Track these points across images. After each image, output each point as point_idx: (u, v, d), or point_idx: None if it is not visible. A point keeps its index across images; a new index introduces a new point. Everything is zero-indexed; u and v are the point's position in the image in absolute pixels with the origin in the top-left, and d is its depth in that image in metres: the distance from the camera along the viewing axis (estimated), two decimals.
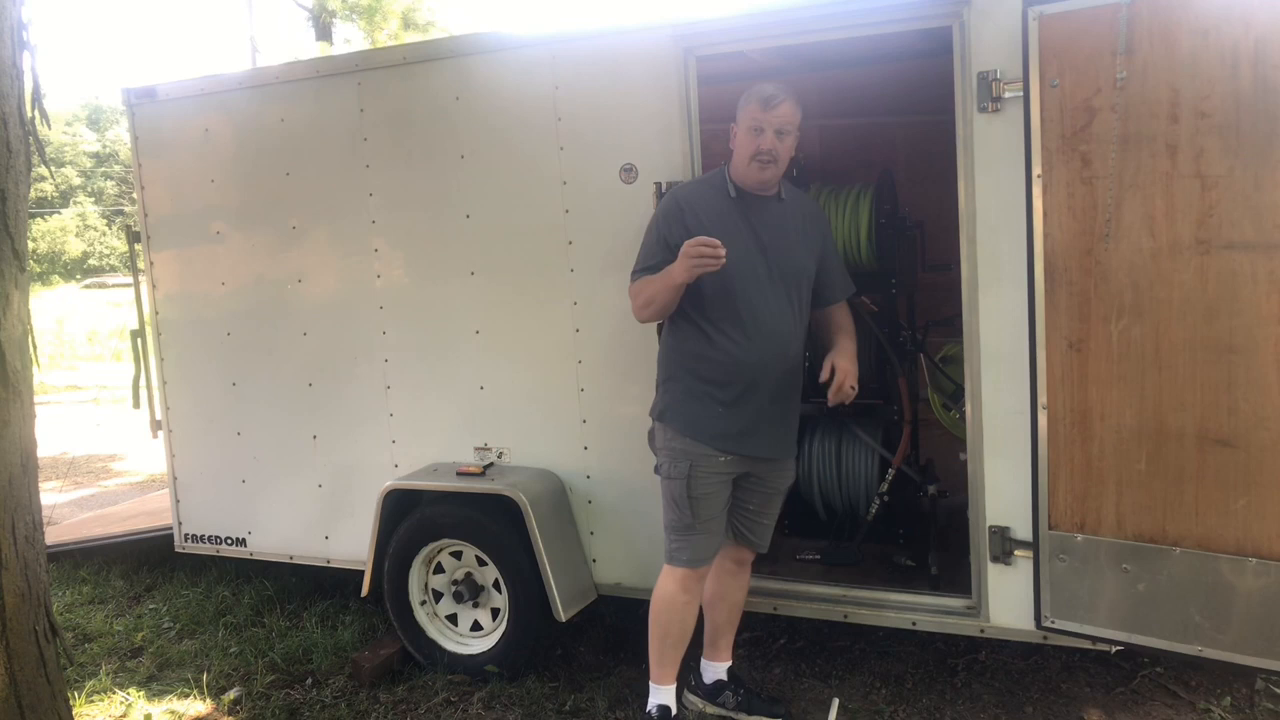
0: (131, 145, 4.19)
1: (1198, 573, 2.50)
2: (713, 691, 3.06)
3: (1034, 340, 2.66)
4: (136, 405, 4.31)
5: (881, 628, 3.29)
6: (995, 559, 2.88)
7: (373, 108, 3.67)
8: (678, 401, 2.79)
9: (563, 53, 3.34)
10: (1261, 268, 2.35)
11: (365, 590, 3.62)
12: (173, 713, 3.45)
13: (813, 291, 2.87)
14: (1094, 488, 2.62)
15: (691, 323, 2.76)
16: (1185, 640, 2.55)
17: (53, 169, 34.72)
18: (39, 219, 36.36)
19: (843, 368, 2.75)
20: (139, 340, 4.35)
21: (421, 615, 3.59)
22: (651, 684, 2.92)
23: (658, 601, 2.84)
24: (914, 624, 3.09)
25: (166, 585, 4.72)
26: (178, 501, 4.25)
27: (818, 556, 3.60)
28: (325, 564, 3.98)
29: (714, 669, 3.08)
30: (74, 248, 37.43)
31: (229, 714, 3.42)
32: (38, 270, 32.59)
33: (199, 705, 3.49)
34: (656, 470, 2.87)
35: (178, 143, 4.06)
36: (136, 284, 4.31)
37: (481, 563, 3.50)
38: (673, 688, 2.92)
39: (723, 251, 2.52)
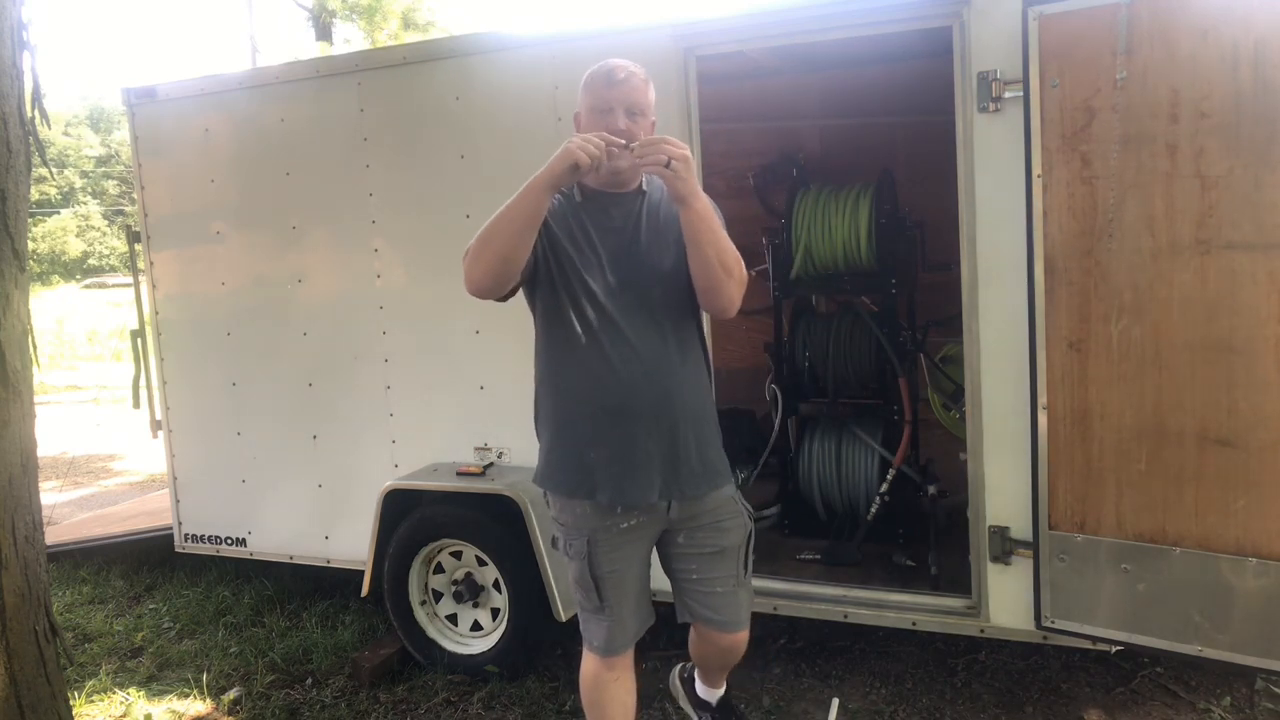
0: (132, 145, 4.19)
1: (1198, 573, 2.50)
2: (697, 705, 2.82)
3: (1034, 340, 2.66)
4: (136, 405, 4.31)
5: (881, 628, 3.28)
6: (995, 559, 2.88)
7: (373, 108, 3.67)
8: (550, 460, 2.34)
9: (563, 53, 3.33)
10: (1261, 268, 2.35)
11: (365, 590, 3.62)
12: (173, 713, 3.45)
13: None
14: (1094, 488, 2.62)
15: (547, 359, 2.32)
16: (1185, 640, 2.55)
17: (54, 171, 34.72)
18: (40, 219, 36.36)
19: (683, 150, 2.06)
20: (139, 340, 4.35)
21: (421, 615, 3.59)
22: None
23: (584, 682, 2.44)
24: (914, 624, 3.09)
25: (166, 585, 4.72)
26: (178, 501, 4.25)
27: (818, 556, 3.60)
28: (325, 564, 3.98)
29: (706, 691, 2.79)
30: (74, 248, 37.42)
31: (229, 714, 3.42)
32: (38, 270, 32.59)
33: (199, 705, 3.49)
34: (554, 544, 2.43)
35: (178, 143, 4.06)
36: (136, 284, 4.31)
37: (481, 563, 3.50)
38: None
39: (611, 142, 2.05)
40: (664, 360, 2.25)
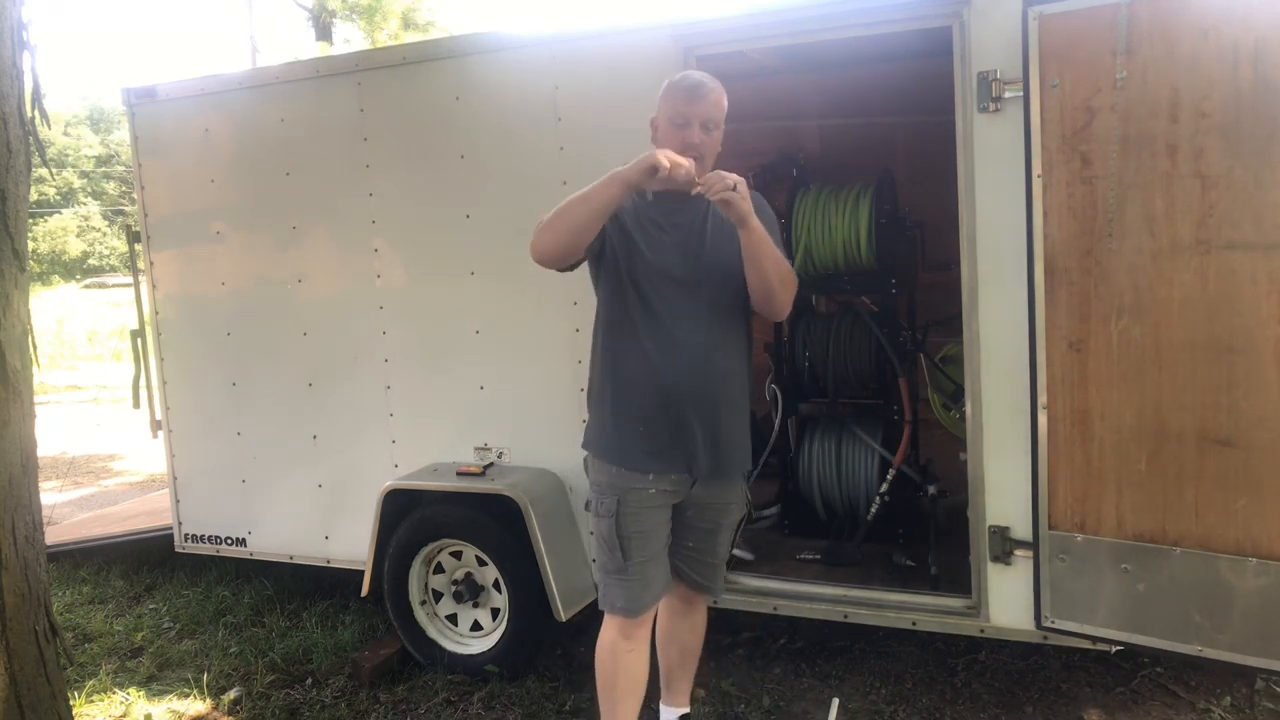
0: (132, 145, 4.19)
1: (1198, 573, 2.50)
2: None
3: (1034, 340, 2.66)
4: (136, 405, 4.31)
5: (881, 628, 3.29)
6: (995, 559, 2.88)
7: (373, 108, 3.67)
8: (599, 426, 2.54)
9: (563, 53, 3.34)
10: (1261, 268, 2.34)
11: (365, 590, 3.62)
12: (173, 712, 3.45)
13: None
14: (1094, 488, 2.62)
15: (607, 336, 2.52)
16: (1185, 640, 2.55)
17: (54, 171, 34.71)
18: (39, 219, 36.33)
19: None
20: (139, 340, 4.35)
21: (421, 615, 3.59)
22: None
23: (600, 651, 2.58)
24: (914, 624, 3.09)
25: (166, 585, 4.72)
26: (178, 501, 4.25)
27: (818, 556, 3.60)
28: (325, 564, 3.98)
29: (670, 713, 2.87)
30: (74, 248, 37.41)
31: (229, 714, 3.42)
32: (38, 270, 32.58)
33: (199, 705, 3.49)
34: (586, 506, 2.64)
35: (178, 143, 4.06)
36: (136, 284, 4.31)
37: (481, 563, 3.50)
38: None
39: (686, 165, 2.21)
40: (716, 349, 2.46)
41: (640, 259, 2.42)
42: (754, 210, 2.37)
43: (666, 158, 2.19)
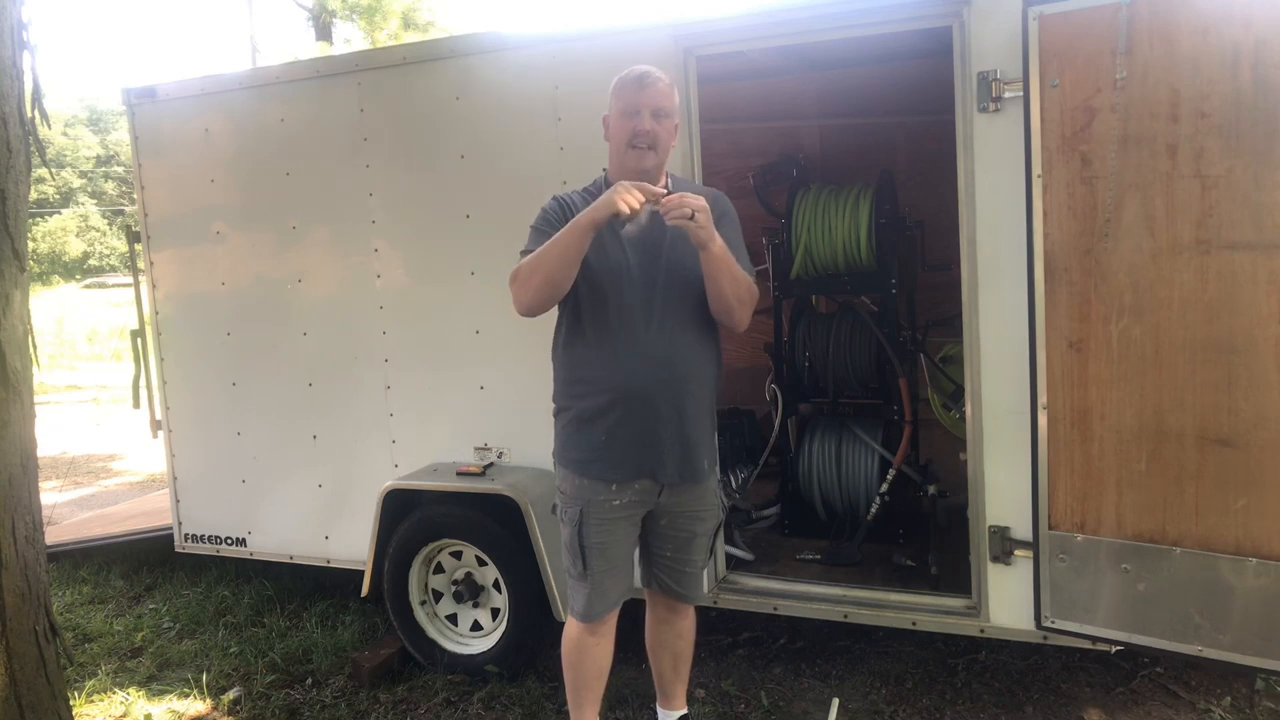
0: (132, 145, 4.19)
1: (1198, 573, 2.50)
2: None
3: (1034, 340, 2.66)
4: (136, 405, 4.31)
5: (881, 628, 3.28)
6: (995, 559, 2.88)
7: (373, 108, 3.67)
8: (562, 435, 2.54)
9: (563, 53, 3.33)
10: (1261, 268, 2.35)
11: (365, 590, 3.62)
12: (173, 713, 3.45)
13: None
14: (1094, 488, 2.62)
15: (569, 345, 2.51)
16: (1185, 640, 2.55)
17: (53, 171, 34.70)
18: (39, 219, 36.33)
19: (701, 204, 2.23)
20: (139, 340, 4.35)
21: (421, 615, 3.59)
22: None
23: (564, 644, 2.65)
24: (914, 624, 3.09)
25: (166, 585, 4.72)
26: (178, 501, 4.25)
27: (818, 556, 3.60)
28: (325, 564, 3.98)
29: (667, 716, 2.86)
30: (74, 248, 37.40)
31: (229, 714, 3.42)
32: (38, 270, 32.57)
33: (199, 705, 3.49)
34: (552, 510, 2.65)
35: (178, 143, 4.06)
36: (136, 284, 4.31)
37: (481, 563, 3.50)
38: None
39: (644, 199, 2.22)
40: (678, 352, 2.42)
41: (598, 261, 2.37)
42: (720, 214, 2.39)
43: (625, 202, 2.19)
